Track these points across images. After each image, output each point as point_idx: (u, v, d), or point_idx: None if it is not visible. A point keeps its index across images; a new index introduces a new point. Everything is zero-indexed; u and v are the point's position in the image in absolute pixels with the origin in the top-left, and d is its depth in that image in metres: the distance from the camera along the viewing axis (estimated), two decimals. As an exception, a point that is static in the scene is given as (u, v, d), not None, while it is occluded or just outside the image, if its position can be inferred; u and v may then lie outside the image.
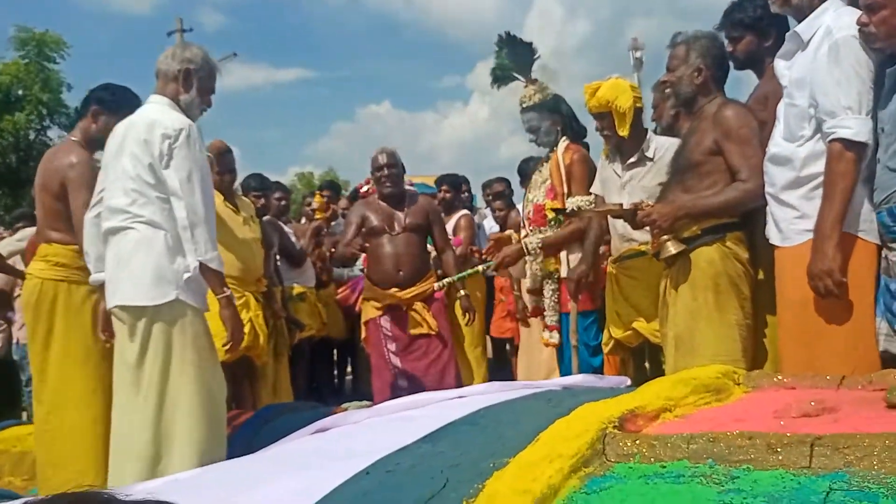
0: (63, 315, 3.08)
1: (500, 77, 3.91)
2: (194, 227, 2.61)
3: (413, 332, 3.94)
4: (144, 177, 2.63)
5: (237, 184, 4.51)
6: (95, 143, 3.17)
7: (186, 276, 2.62)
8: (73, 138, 3.24)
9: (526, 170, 5.35)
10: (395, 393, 3.73)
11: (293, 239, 5.32)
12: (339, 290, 5.62)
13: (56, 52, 16.03)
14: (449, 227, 5.18)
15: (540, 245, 3.55)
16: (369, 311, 4.02)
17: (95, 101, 3.22)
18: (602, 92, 3.26)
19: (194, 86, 2.80)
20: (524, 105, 3.74)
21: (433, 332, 3.96)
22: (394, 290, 3.93)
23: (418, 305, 3.95)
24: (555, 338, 3.64)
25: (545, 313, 3.66)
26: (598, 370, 3.50)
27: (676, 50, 2.82)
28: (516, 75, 3.85)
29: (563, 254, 3.60)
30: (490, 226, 5.97)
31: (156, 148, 2.61)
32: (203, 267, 2.63)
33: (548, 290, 3.64)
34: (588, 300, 3.55)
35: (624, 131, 3.24)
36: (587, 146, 3.83)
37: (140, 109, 2.80)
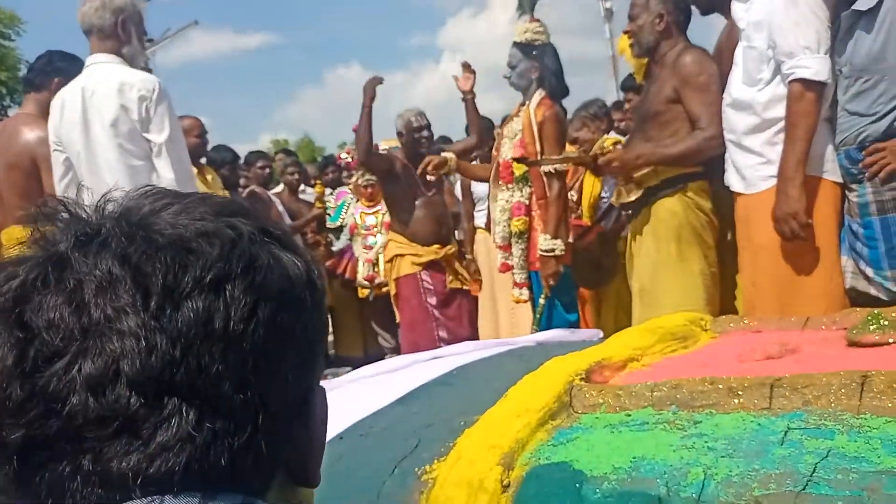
0: None
1: (521, 6, 3.81)
2: (184, 187, 2.52)
3: (451, 285, 4.06)
4: (126, 145, 2.52)
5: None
6: None
7: None
8: (30, 111, 3.09)
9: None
10: (436, 344, 3.82)
11: (281, 208, 5.28)
12: (329, 261, 5.58)
13: (10, 29, 15.62)
14: None
15: (549, 238, 3.45)
16: (405, 266, 4.08)
17: (57, 71, 3.07)
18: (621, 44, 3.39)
19: (133, 36, 2.66)
20: (514, 39, 3.67)
21: (467, 286, 4.11)
22: (435, 246, 4.05)
23: (456, 261, 4.11)
24: (524, 294, 3.66)
25: (514, 271, 3.67)
26: (575, 325, 3.53)
27: None
28: (526, 7, 3.76)
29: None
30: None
31: (134, 112, 2.50)
32: None
33: (516, 248, 3.64)
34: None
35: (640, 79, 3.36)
36: (565, 110, 3.79)
37: (91, 73, 2.62)
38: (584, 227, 3.82)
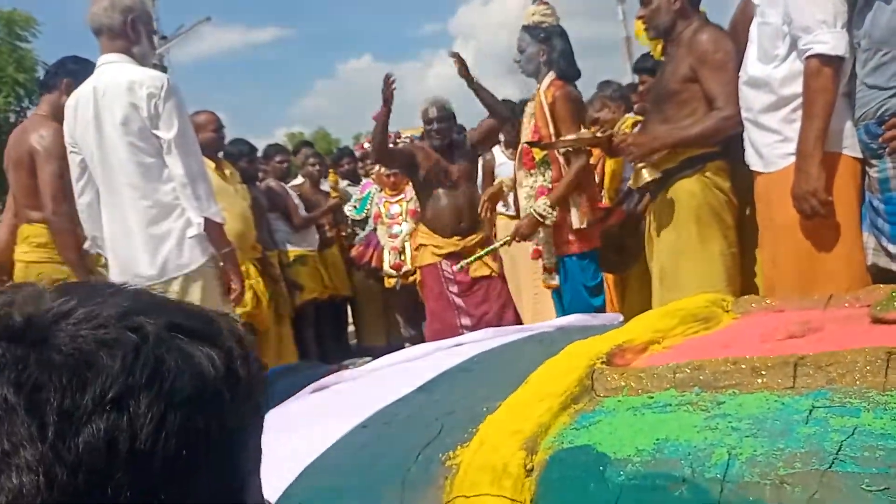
0: None
1: None
2: (195, 182, 2.56)
3: (474, 275, 4.03)
4: (137, 143, 2.56)
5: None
6: None
7: (192, 234, 2.57)
8: (41, 113, 3.18)
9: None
10: (458, 332, 3.81)
11: (297, 201, 5.29)
12: (353, 248, 5.54)
13: (26, 31, 15.72)
14: None
15: (549, 204, 3.46)
16: (427, 256, 4.12)
17: (67, 73, 3.15)
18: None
19: (143, 35, 2.68)
20: (523, 23, 3.63)
21: (495, 274, 4.07)
22: (455, 238, 4.05)
23: (479, 250, 4.04)
24: (555, 279, 3.65)
25: (543, 255, 3.66)
26: (600, 310, 3.51)
27: None
28: None
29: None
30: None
31: (144, 109, 2.53)
32: (207, 223, 2.59)
33: (545, 233, 3.61)
34: (586, 240, 3.54)
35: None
36: (579, 92, 3.76)
37: (102, 73, 2.65)
38: (605, 210, 3.79)
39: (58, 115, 3.06)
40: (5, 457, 0.46)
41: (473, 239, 4.09)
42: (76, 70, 3.12)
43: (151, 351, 0.51)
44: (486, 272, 4.07)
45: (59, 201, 2.86)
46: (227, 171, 4.18)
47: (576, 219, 3.48)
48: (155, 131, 2.54)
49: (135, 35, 2.66)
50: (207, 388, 0.53)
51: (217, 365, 0.54)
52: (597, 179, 4.06)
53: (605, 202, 4.01)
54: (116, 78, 2.59)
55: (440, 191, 4.09)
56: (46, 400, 0.47)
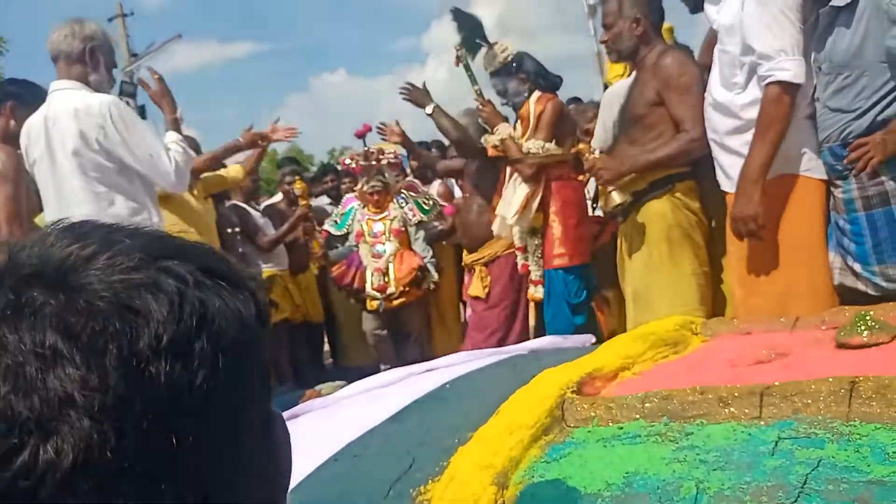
0: None
1: (471, 47, 3.83)
2: (179, 183, 2.69)
3: (471, 293, 4.16)
4: (89, 172, 2.57)
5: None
6: (15, 139, 3.05)
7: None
8: None
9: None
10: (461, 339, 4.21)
11: (260, 221, 5.21)
12: (334, 268, 5.37)
13: (-6, 49, 15.56)
14: None
15: (500, 140, 3.51)
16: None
17: (8, 96, 3.10)
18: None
19: (101, 64, 2.69)
20: (488, 71, 3.71)
21: (482, 297, 4.13)
22: (465, 252, 4.30)
23: (477, 267, 4.14)
24: (539, 292, 3.65)
25: (530, 268, 3.67)
26: (582, 328, 3.49)
27: (608, 5, 2.79)
28: (479, 42, 3.79)
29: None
30: None
31: (92, 140, 2.55)
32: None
33: (531, 245, 3.64)
34: (574, 255, 3.53)
35: None
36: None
37: (52, 101, 2.65)
38: (598, 225, 3.79)
39: (6, 139, 3.04)
40: (63, 406, 0.44)
41: (473, 257, 4.17)
42: (18, 92, 3.09)
43: (194, 294, 0.50)
44: (477, 294, 4.11)
45: (13, 222, 2.83)
46: (194, 191, 4.13)
47: (512, 208, 3.47)
48: (121, 156, 2.55)
49: (93, 63, 2.67)
50: (247, 329, 0.53)
51: (250, 307, 0.54)
52: (590, 195, 4.08)
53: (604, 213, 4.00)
54: (65, 106, 2.60)
55: (463, 203, 4.36)
56: (105, 348, 0.45)
